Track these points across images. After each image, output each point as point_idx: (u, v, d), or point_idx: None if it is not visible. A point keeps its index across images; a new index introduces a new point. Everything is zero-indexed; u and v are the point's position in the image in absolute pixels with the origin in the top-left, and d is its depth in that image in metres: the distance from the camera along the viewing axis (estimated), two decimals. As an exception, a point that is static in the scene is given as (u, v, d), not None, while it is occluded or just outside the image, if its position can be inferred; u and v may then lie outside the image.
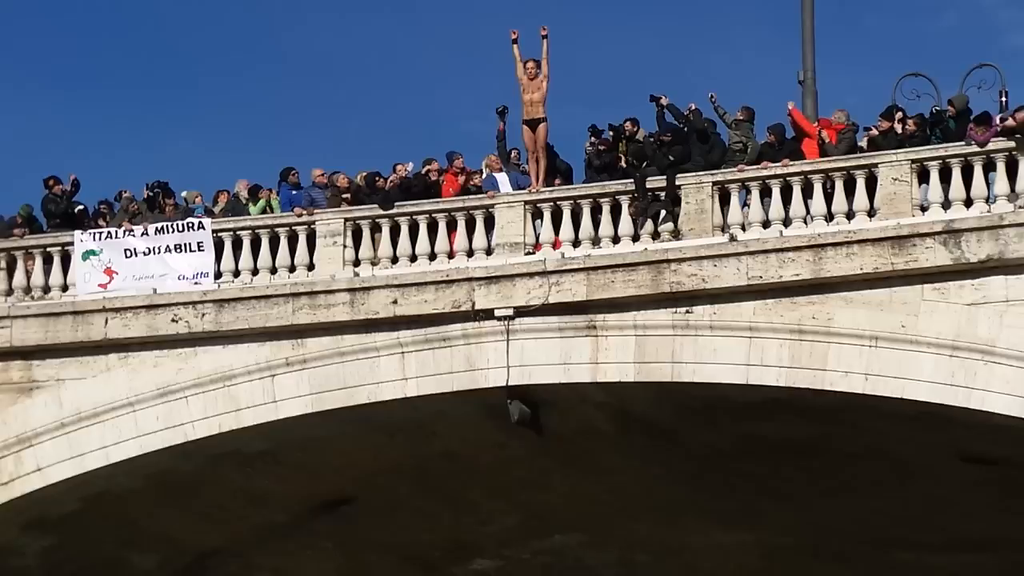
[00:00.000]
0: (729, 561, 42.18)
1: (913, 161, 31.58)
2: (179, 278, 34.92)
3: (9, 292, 36.06)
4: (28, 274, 36.14)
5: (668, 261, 32.04)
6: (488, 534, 40.30)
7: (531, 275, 32.80)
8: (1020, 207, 30.90)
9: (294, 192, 36.52)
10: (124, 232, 35.91)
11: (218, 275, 35.09)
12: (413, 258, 34.32)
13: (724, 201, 32.97)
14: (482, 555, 41.37)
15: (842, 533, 40.65)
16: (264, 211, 36.49)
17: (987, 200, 31.00)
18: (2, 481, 34.68)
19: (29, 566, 36.67)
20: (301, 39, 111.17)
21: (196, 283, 34.87)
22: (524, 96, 34.99)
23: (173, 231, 35.57)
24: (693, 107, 34.66)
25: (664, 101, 34.50)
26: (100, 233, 36.18)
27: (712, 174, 33.06)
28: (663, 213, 33.12)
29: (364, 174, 36.15)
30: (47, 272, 36.19)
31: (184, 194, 37.87)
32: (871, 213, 31.75)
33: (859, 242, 31.06)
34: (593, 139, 35.48)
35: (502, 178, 35.05)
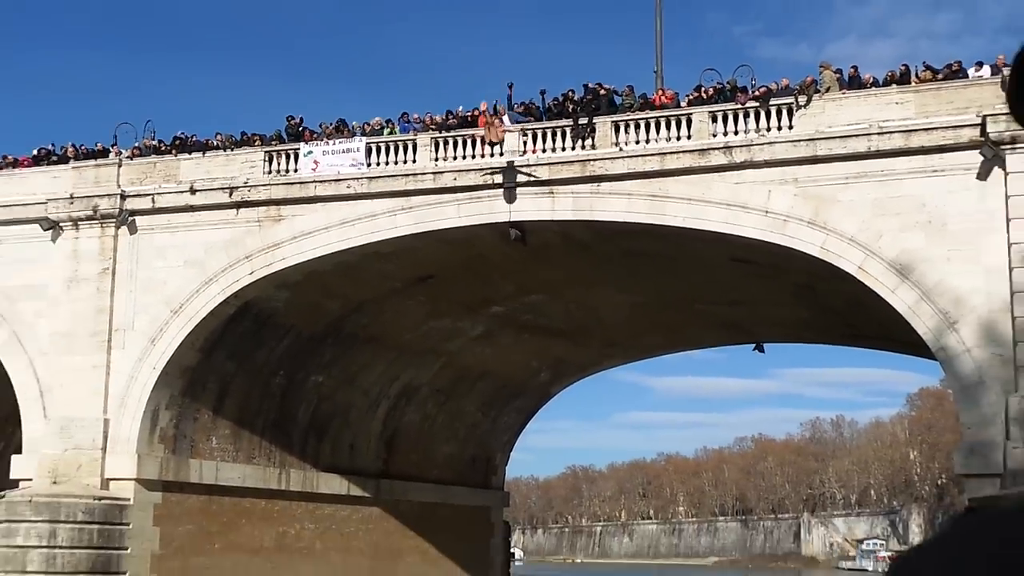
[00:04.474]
0: (619, 310, 43.82)
1: (710, 112, 33.26)
2: (350, 165, 36.02)
3: (269, 171, 37.00)
4: (271, 161, 37.01)
5: (589, 160, 33.70)
6: (498, 295, 41.63)
7: (522, 166, 34.19)
8: (758, 136, 32.35)
9: (405, 124, 37.58)
10: (323, 142, 36.95)
11: (368, 164, 35.98)
12: (464, 157, 35.39)
13: (617, 131, 34.03)
14: (496, 305, 42.70)
15: (670, 296, 41.81)
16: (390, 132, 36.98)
17: (745, 132, 32.63)
18: (265, 264, 35.90)
19: (278, 306, 37.85)
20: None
21: (358, 167, 36.10)
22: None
23: (346, 143, 36.70)
24: (604, 87, 35.48)
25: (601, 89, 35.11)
26: (312, 142, 37.12)
27: (612, 117, 34.38)
28: (588, 136, 34.29)
29: (441, 116, 37.10)
30: (288, 160, 37.16)
31: (353, 124, 38.00)
32: (689, 137, 33.14)
33: (683, 152, 32.80)
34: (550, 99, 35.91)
35: (507, 116, 35.84)
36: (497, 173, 34.58)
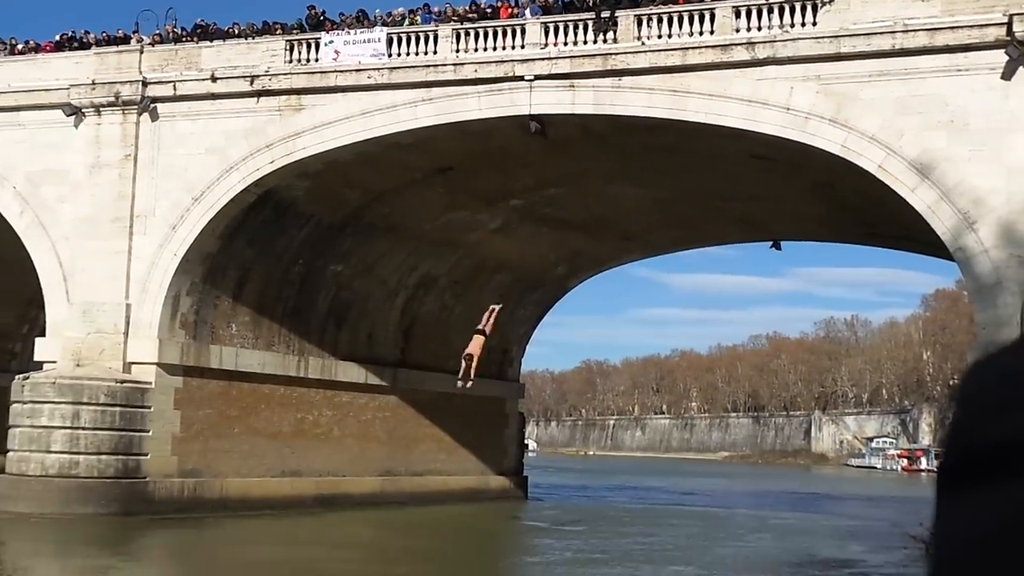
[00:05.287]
0: (637, 204, 43.67)
1: (733, 7, 32.70)
2: (371, 55, 35.80)
3: (290, 60, 36.76)
4: (292, 50, 36.79)
5: (611, 54, 33.39)
6: (517, 187, 41.50)
7: (543, 59, 34.07)
8: (781, 32, 31.96)
9: (427, 15, 37.49)
10: (344, 32, 36.84)
11: (388, 55, 35.74)
12: (485, 49, 35.17)
13: (639, 25, 33.71)
14: (514, 198, 42.65)
15: (688, 191, 41.52)
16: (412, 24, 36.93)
17: (768, 28, 32.20)
18: (286, 153, 35.93)
19: (298, 195, 38.05)
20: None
21: (378, 58, 35.98)
22: None
23: (367, 33, 36.59)
24: None
25: None
26: (333, 32, 37.00)
27: (634, 10, 34.03)
28: (609, 30, 33.99)
29: (463, 8, 37.03)
30: (310, 49, 36.91)
31: (375, 13, 37.96)
32: (711, 32, 32.81)
33: (705, 47, 32.55)
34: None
35: (529, 9, 35.58)
36: (519, 62, 34.36)
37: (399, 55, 35.78)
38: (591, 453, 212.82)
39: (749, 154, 34.67)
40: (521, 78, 34.28)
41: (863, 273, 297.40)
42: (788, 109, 31.64)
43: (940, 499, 1.13)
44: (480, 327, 32.03)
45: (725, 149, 34.78)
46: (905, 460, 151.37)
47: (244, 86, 36.85)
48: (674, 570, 27.41)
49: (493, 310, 31.30)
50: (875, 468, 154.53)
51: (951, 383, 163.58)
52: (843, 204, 39.53)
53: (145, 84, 37.56)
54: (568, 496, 61.09)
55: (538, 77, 34.13)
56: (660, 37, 33.43)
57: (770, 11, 32.50)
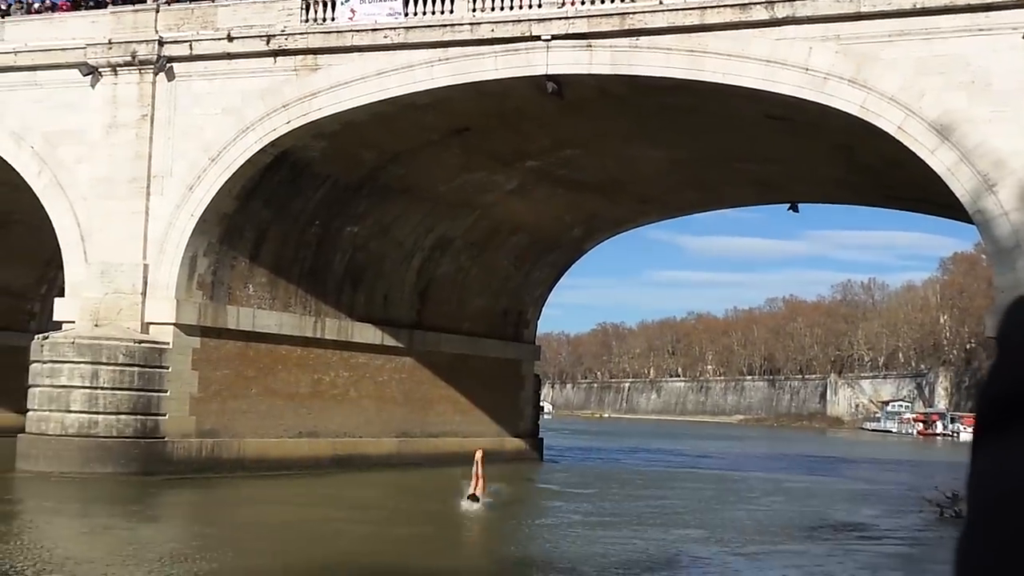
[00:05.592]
0: (654, 165, 43.46)
1: None
2: (387, 15, 35.52)
3: (306, 20, 36.39)
4: (308, 9, 36.33)
5: (628, 13, 33.09)
6: (533, 149, 41.29)
7: (560, 18, 33.77)
8: None
9: None
10: None
11: (405, 15, 35.40)
12: (502, 8, 34.72)
13: None
14: (530, 159, 42.40)
15: (706, 153, 41.26)
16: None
17: None
18: (302, 113, 35.74)
19: (315, 156, 37.90)
20: None
21: (395, 17, 35.70)
22: None
23: None
24: None
25: None
26: None
27: None
28: None
29: None
30: (326, 8, 36.50)
31: None
32: None
33: (724, 6, 32.09)
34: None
35: None
36: (536, 22, 34.19)
37: (415, 14, 35.45)
38: (606, 416, 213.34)
39: (767, 115, 34.42)
40: (538, 38, 34.05)
41: (881, 236, 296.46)
42: (807, 69, 31.39)
43: (976, 442, 1.07)
44: (474, 473, 31.60)
45: (743, 110, 34.57)
46: (921, 424, 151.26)
47: (260, 46, 36.71)
48: (681, 533, 27.38)
49: (478, 460, 31.05)
50: (890, 432, 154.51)
51: (968, 347, 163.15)
52: (861, 166, 39.33)
53: (161, 43, 37.48)
54: (582, 458, 61.24)
55: (555, 37, 33.87)
56: (678, -4, 32.78)
57: (790, -30, 31.84)
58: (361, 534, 24.65)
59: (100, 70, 37.85)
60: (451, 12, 35.20)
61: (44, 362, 35.43)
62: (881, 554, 25.90)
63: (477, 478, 30.96)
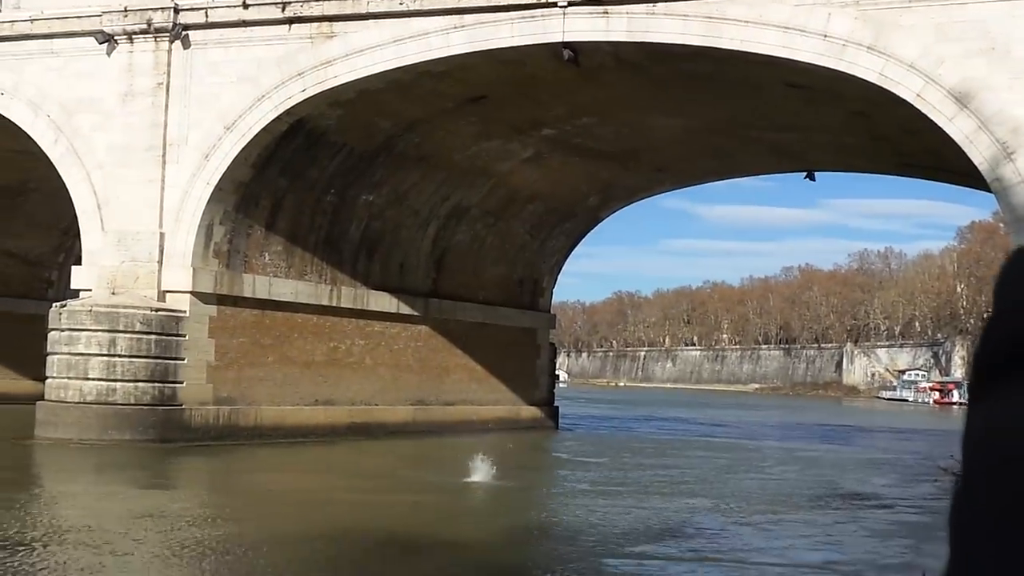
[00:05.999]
0: (670, 133, 43.39)
1: None
2: None
3: None
4: None
5: None
6: (549, 117, 41.09)
7: None
8: None
9: None
10: None
11: None
12: None
13: None
14: (546, 127, 42.32)
15: (722, 121, 41.10)
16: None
17: None
18: (318, 81, 35.68)
19: (330, 124, 37.84)
20: None
21: None
22: None
23: None
24: None
25: None
26: None
27: None
28: None
29: None
30: None
31: None
32: None
33: None
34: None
35: None
36: (551, -9, 33.76)
37: (431, -19, 35.16)
38: (621, 384, 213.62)
39: (785, 83, 34.20)
40: (554, 4, 33.79)
41: (898, 204, 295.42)
42: (826, 36, 31.10)
43: (974, 390, 1.04)
44: None
45: (760, 78, 34.39)
46: (937, 393, 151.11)
47: (276, 13, 36.59)
48: (686, 502, 27.22)
49: None
50: (906, 401, 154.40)
51: (984, 316, 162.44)
52: (879, 134, 39.17)
53: (177, 11, 37.38)
54: (597, 426, 61.33)
55: (571, 3, 33.61)
56: (696, -38, 32.61)
57: (808, -65, 31.59)
58: (356, 501, 24.67)
59: (116, 38, 37.84)
60: (467, -21, 34.89)
61: (62, 330, 35.61)
62: (893, 522, 25.82)
63: None
